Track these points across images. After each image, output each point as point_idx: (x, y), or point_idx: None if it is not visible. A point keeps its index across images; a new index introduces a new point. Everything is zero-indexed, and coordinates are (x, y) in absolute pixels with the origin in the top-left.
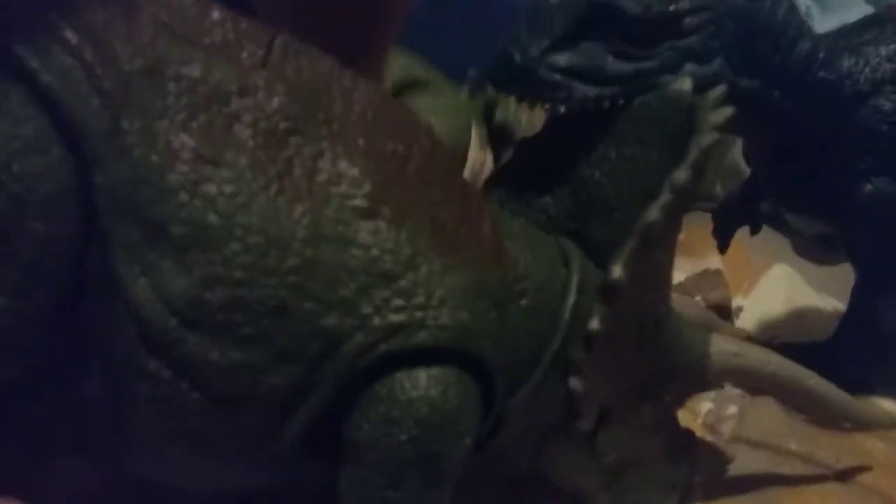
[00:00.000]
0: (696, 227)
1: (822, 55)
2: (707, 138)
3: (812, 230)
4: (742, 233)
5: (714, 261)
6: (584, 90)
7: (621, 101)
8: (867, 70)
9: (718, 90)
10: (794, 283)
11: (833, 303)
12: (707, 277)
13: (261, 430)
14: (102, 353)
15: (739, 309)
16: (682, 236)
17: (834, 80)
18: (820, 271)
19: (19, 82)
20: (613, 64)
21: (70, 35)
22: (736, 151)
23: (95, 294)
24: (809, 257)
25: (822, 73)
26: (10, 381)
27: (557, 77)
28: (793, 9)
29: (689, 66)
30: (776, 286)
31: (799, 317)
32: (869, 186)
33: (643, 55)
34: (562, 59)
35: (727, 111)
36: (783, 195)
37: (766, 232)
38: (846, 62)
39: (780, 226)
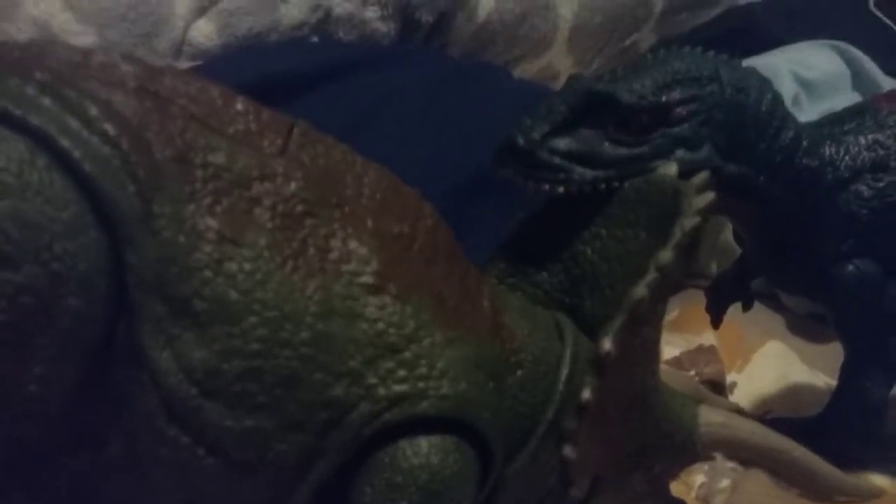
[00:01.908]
0: (691, 305)
1: (805, 143)
2: (690, 221)
3: (804, 308)
4: (736, 310)
5: (708, 337)
6: (581, 173)
7: (616, 184)
8: (847, 158)
9: (702, 176)
10: (787, 360)
11: (825, 379)
12: (701, 353)
13: (271, 495)
14: (125, 418)
15: (733, 384)
16: (676, 313)
17: (816, 167)
18: (813, 348)
19: (63, 170)
20: (609, 149)
21: (109, 127)
22: (729, 231)
23: (122, 363)
24: (802, 335)
25: (805, 161)
26: (33, 439)
27: (557, 160)
28: (777, 100)
29: (680, 153)
30: (769, 363)
31: (792, 393)
32: (851, 267)
33: (637, 141)
34: (561, 143)
35: (709, 196)
36: (772, 275)
37: (760, 310)
38: (828, 150)
39: (774, 303)
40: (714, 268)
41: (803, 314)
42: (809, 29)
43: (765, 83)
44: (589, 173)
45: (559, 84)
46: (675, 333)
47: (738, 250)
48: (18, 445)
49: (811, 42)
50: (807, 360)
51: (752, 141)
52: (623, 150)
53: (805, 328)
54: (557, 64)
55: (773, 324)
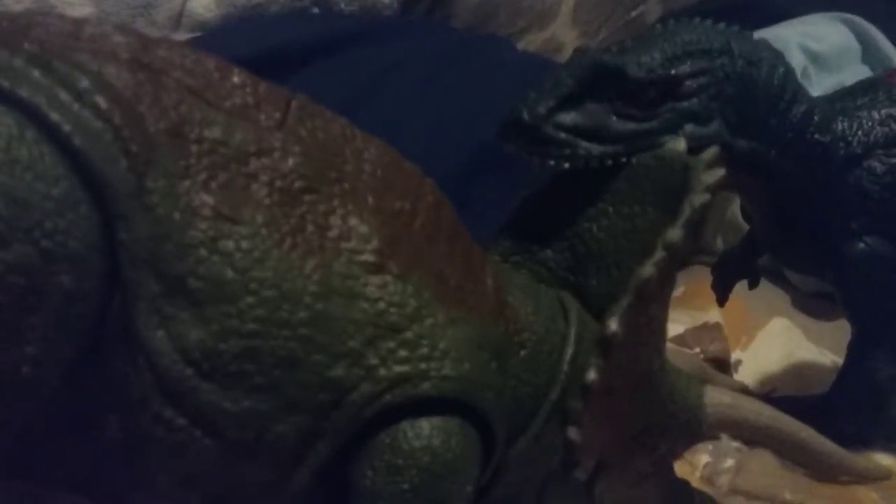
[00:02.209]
0: (696, 281)
1: (816, 118)
2: (699, 198)
3: (811, 286)
4: (742, 287)
5: (714, 314)
6: (587, 148)
7: (623, 160)
8: (860, 133)
9: (711, 151)
10: (792, 338)
11: (831, 357)
12: (706, 330)
13: (270, 477)
14: (120, 399)
15: (738, 362)
16: (682, 289)
17: (828, 143)
18: (818, 326)
19: (53, 144)
20: (616, 123)
21: (100, 100)
22: (736, 207)
23: (115, 343)
24: (808, 312)
25: (816, 136)
26: (30, 422)
27: (562, 135)
28: (789, 74)
29: (689, 128)
30: (775, 340)
31: (797, 371)
32: (861, 245)
33: (645, 116)
34: (567, 117)
35: (719, 172)
36: (780, 252)
37: (766, 287)
38: (840, 125)
39: (780, 281)
40: (720, 244)
41: (810, 292)
42: (819, 1)
43: (777, 56)
44: (596, 148)
45: (564, 57)
46: (680, 310)
47: (745, 227)
48: (15, 428)
49: (820, 14)
50: (813, 338)
51: (763, 115)
52: (630, 125)
53: (811, 306)
54: (562, 36)
55: (779, 301)
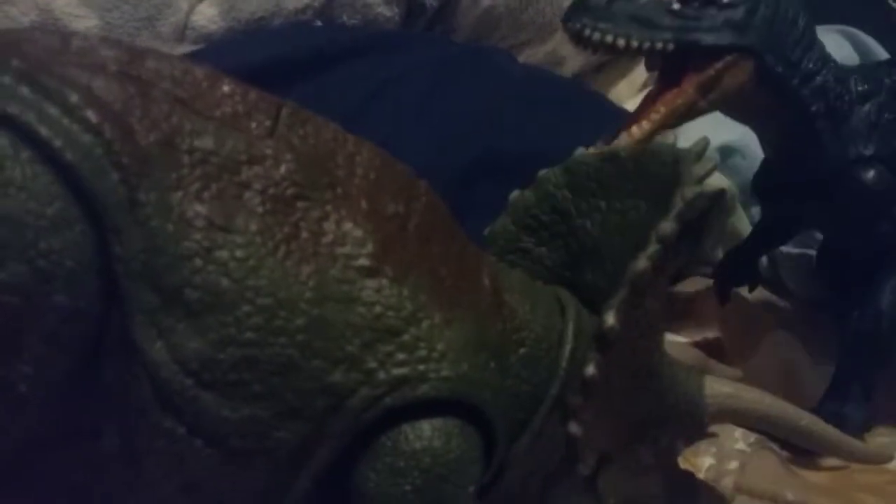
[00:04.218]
0: (694, 299)
1: (833, 64)
2: (691, 190)
3: (806, 290)
4: (741, 303)
5: (713, 330)
6: (640, 33)
7: (670, 48)
8: (872, 83)
9: (700, 143)
10: (791, 350)
11: (829, 369)
12: (706, 347)
13: (270, 484)
14: (119, 410)
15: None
16: (681, 306)
17: (844, 79)
18: (816, 337)
19: (45, 163)
20: (667, 19)
21: (90, 114)
22: (738, 218)
23: (114, 357)
24: (807, 323)
25: (834, 74)
26: (27, 435)
27: (622, 20)
28: (810, 25)
29: (727, 34)
30: (774, 352)
31: (796, 382)
32: (872, 172)
33: (693, 15)
34: (626, 7)
35: (709, 164)
36: (787, 178)
37: (765, 298)
38: (853, 77)
39: (779, 290)
40: (720, 254)
41: (805, 298)
42: (818, 14)
43: (802, 8)
44: (647, 34)
45: (565, 70)
46: (678, 325)
47: (745, 234)
48: (11, 444)
49: (820, 27)
50: (810, 349)
51: (791, 43)
52: (679, 21)
53: (810, 316)
54: (562, 49)
55: (778, 312)
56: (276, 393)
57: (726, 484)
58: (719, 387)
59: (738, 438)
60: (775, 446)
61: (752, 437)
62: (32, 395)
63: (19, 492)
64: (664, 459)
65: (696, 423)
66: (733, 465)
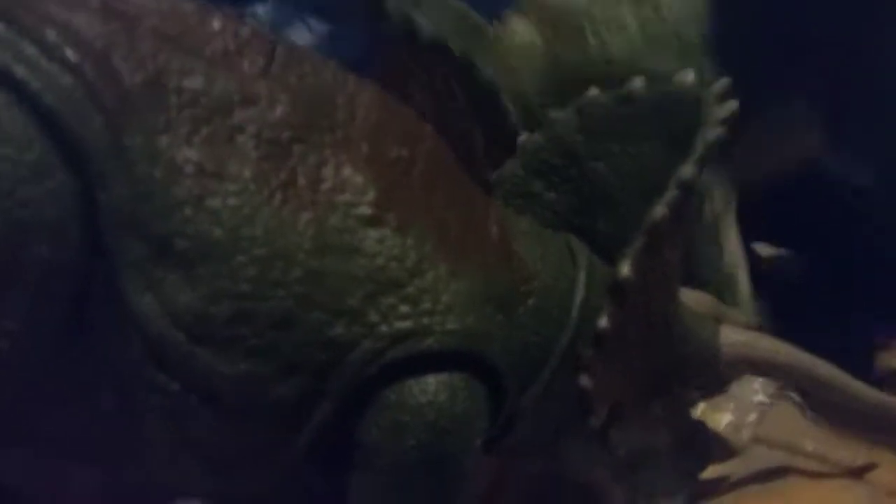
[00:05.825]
0: None
1: None
2: (713, 133)
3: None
4: None
5: None
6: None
7: None
8: None
9: (722, 84)
10: None
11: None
12: None
13: (271, 439)
14: (113, 369)
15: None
16: None
17: None
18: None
19: (22, 106)
20: None
21: (69, 53)
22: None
23: (103, 314)
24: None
25: None
26: (24, 393)
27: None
28: None
29: None
30: None
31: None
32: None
33: None
34: None
35: (731, 105)
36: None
37: None
38: None
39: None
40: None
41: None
42: None
43: None
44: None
45: None
46: None
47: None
48: (8, 400)
49: None
50: None
51: None
52: None
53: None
54: None
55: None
56: (275, 347)
57: (744, 435)
58: (735, 335)
59: (757, 390)
60: (796, 396)
61: (772, 387)
62: (18, 352)
63: (22, 449)
64: (676, 410)
65: (711, 373)
66: (752, 417)
